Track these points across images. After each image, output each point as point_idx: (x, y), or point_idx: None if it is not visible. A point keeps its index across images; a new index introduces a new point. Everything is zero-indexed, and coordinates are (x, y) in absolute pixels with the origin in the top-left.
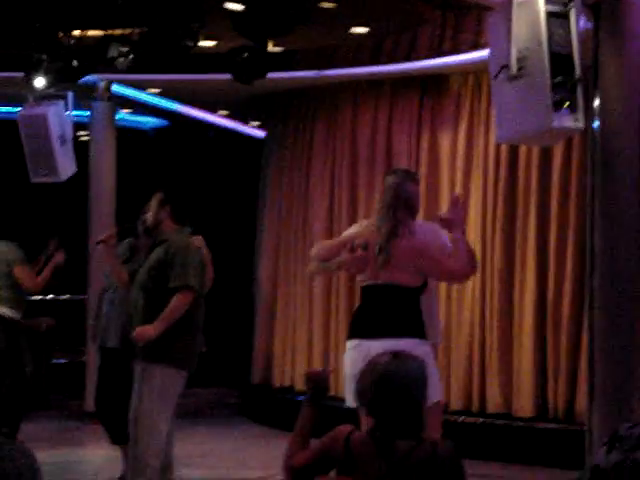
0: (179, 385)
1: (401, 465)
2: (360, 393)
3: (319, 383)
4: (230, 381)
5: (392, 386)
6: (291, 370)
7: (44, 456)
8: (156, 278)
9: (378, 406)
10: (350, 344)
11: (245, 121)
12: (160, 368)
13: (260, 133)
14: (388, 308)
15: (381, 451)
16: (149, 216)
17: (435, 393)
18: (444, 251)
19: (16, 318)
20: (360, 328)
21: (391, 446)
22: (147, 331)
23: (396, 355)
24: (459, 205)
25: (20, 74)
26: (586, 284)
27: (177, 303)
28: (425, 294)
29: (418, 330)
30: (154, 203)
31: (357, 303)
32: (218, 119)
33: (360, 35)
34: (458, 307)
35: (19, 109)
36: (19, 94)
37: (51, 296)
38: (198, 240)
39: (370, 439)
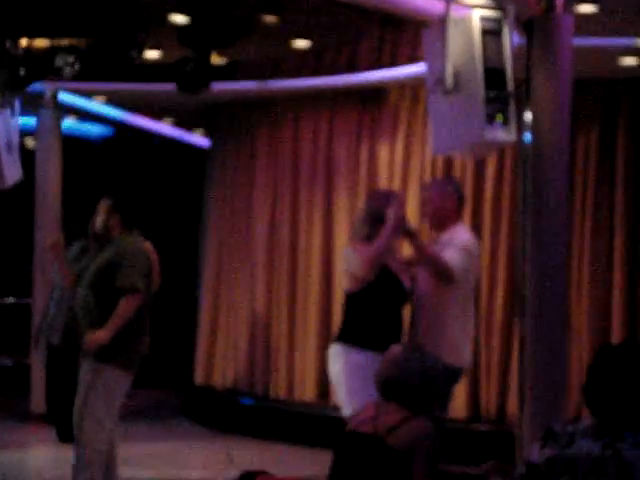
0: (125, 386)
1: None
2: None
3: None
4: (173, 383)
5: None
6: (233, 372)
7: None
8: (105, 278)
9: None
10: None
11: (190, 130)
12: (109, 369)
13: (205, 142)
14: None
15: None
16: (98, 221)
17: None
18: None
19: None
20: None
21: None
22: (99, 337)
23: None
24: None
25: None
26: (517, 289)
27: (126, 306)
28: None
29: (343, 335)
30: (103, 209)
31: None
32: (163, 128)
33: (302, 48)
34: None
35: None
36: None
37: None
38: (147, 245)
39: None
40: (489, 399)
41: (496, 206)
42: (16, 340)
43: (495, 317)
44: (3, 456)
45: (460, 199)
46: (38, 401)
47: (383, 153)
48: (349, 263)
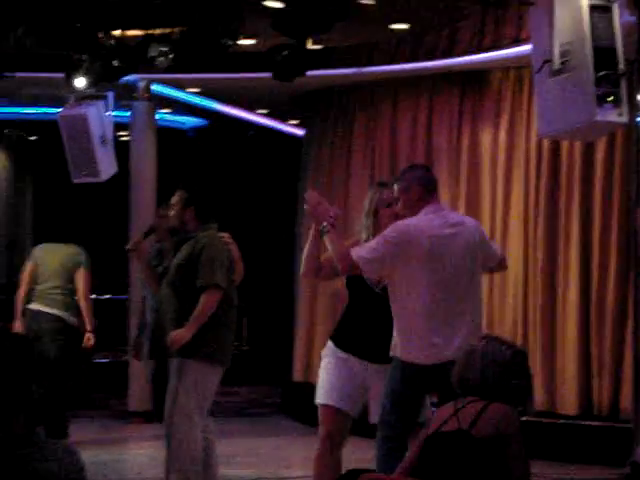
0: (214, 380)
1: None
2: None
3: None
4: (272, 379)
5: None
6: None
7: (88, 455)
8: (185, 275)
9: None
10: None
11: (284, 119)
12: (194, 363)
13: (299, 131)
14: None
15: None
16: (172, 217)
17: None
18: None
19: (76, 324)
20: None
21: None
22: (181, 335)
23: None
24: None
25: (60, 75)
26: (630, 279)
27: (206, 303)
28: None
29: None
30: (177, 203)
31: None
32: (257, 118)
33: (400, 31)
34: (500, 304)
35: (60, 110)
36: (60, 95)
37: (93, 296)
38: (225, 236)
39: None
40: (601, 394)
41: (607, 191)
42: (112, 337)
43: (607, 308)
44: (103, 454)
45: (423, 185)
46: (136, 399)
47: (485, 138)
48: None
